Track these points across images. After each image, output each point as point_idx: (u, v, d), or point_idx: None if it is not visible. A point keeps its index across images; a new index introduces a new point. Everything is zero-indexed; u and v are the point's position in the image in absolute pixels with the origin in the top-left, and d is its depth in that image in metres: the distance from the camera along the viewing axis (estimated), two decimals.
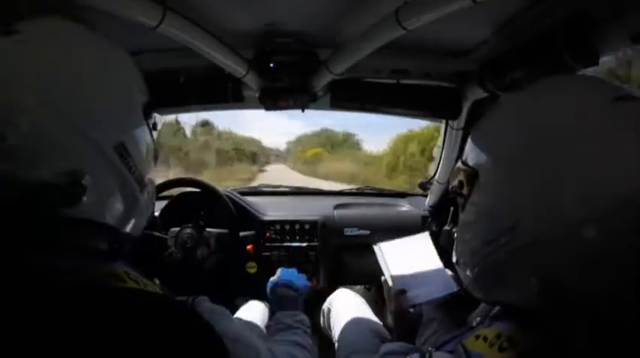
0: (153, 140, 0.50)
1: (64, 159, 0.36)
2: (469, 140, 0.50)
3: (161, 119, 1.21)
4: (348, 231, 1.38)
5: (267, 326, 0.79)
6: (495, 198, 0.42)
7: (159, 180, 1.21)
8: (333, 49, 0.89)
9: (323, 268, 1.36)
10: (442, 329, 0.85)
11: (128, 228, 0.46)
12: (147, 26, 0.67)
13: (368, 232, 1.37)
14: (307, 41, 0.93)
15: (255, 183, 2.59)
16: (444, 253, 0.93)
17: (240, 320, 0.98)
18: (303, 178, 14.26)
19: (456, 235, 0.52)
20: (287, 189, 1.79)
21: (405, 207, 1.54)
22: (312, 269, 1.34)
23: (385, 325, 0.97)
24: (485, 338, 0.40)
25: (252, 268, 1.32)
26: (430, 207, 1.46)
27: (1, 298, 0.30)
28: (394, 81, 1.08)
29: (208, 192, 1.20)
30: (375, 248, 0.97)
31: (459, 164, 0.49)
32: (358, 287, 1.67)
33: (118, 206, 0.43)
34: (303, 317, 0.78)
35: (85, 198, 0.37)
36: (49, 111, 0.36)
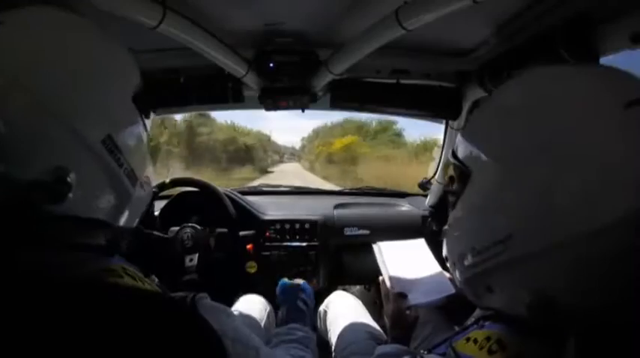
0: (145, 130, 0.47)
1: (48, 155, 0.35)
2: (461, 132, 0.47)
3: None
4: (348, 231, 1.38)
5: (277, 333, 0.81)
6: (487, 206, 0.40)
7: (159, 180, 1.21)
8: (333, 49, 0.89)
9: (323, 268, 1.36)
10: (437, 331, 0.84)
11: (121, 222, 0.45)
12: (147, 26, 0.67)
13: (368, 232, 1.37)
14: (307, 41, 0.93)
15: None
16: (440, 258, 0.93)
17: (240, 316, 0.98)
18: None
19: (445, 233, 0.50)
20: (287, 189, 1.79)
21: (405, 207, 1.54)
22: (311, 269, 1.34)
23: (383, 326, 0.97)
24: (475, 341, 0.40)
25: (252, 268, 1.32)
26: (430, 207, 1.46)
27: None
28: (394, 81, 1.08)
29: (208, 191, 1.20)
30: (375, 247, 0.97)
31: (450, 157, 0.47)
32: (358, 287, 1.67)
33: (109, 201, 0.41)
34: (313, 335, 0.83)
35: (71, 195, 0.36)
36: (33, 105, 0.35)
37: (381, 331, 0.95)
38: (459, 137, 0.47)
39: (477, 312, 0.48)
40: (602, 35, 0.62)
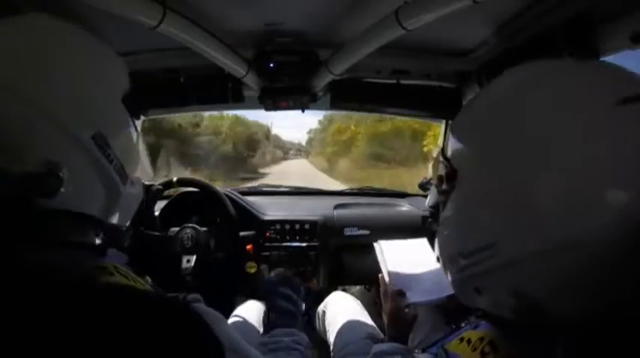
0: (135, 129, 0.49)
1: (41, 150, 0.36)
2: (451, 129, 0.46)
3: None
4: (347, 231, 1.37)
5: (264, 343, 0.75)
6: (473, 209, 0.39)
7: (159, 180, 1.21)
8: (333, 49, 0.89)
9: (323, 268, 1.36)
10: (435, 331, 0.84)
11: (113, 220, 0.46)
12: (147, 26, 0.67)
13: (368, 232, 1.37)
14: (307, 41, 0.93)
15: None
16: None
17: (235, 322, 0.97)
18: None
19: (437, 233, 0.49)
20: (287, 189, 1.79)
21: (405, 207, 1.54)
22: (311, 270, 1.34)
23: (382, 326, 0.97)
24: (469, 341, 0.40)
25: (251, 268, 1.32)
26: (430, 207, 1.46)
27: None
28: (394, 81, 1.08)
29: (208, 192, 1.20)
30: (376, 245, 0.97)
31: (440, 156, 0.47)
32: (358, 287, 1.67)
33: (99, 197, 0.42)
34: (302, 336, 0.77)
35: (63, 189, 0.37)
36: (25, 103, 0.36)
37: (380, 331, 0.95)
38: (450, 129, 0.47)
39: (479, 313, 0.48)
40: (602, 35, 0.62)
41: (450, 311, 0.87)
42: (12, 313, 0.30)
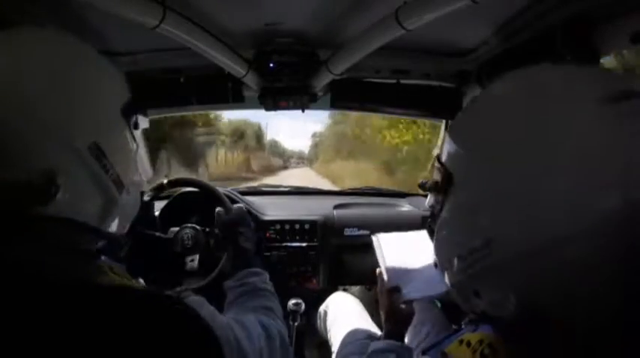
0: (133, 139, 0.50)
1: (35, 159, 0.37)
2: (448, 133, 0.47)
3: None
4: (348, 231, 1.37)
5: (232, 287, 0.69)
6: (468, 210, 0.39)
7: (159, 180, 1.21)
8: (333, 49, 0.89)
9: (323, 268, 1.36)
10: (436, 330, 0.84)
11: (110, 228, 0.46)
12: (147, 26, 0.67)
13: (368, 232, 1.36)
14: (307, 41, 0.93)
15: None
16: None
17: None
18: None
19: (435, 236, 0.49)
20: (287, 189, 1.79)
21: (405, 207, 1.54)
22: (311, 270, 1.34)
23: (382, 326, 0.97)
24: (468, 343, 0.40)
25: None
26: (430, 206, 1.46)
27: None
28: (394, 81, 1.08)
29: (208, 192, 1.20)
30: (374, 238, 0.96)
31: (436, 161, 0.47)
32: (358, 287, 1.67)
33: (95, 206, 0.43)
34: (266, 275, 0.72)
35: (58, 197, 0.37)
36: (23, 113, 0.36)
37: (380, 331, 0.95)
38: (446, 133, 0.47)
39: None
40: (602, 35, 0.62)
41: (450, 307, 0.86)
42: (7, 314, 0.30)
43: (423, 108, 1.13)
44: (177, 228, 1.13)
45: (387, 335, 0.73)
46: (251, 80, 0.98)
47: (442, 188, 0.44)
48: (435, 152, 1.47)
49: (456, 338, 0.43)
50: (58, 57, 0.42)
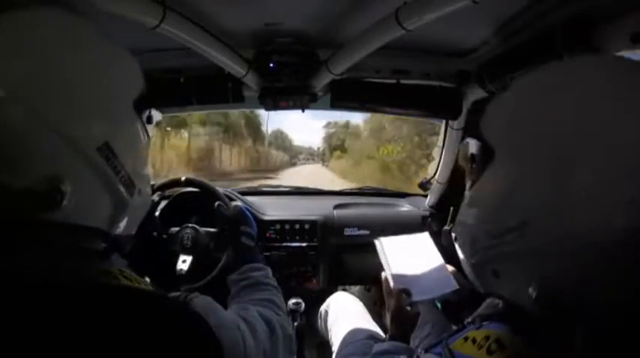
0: (146, 135, 0.46)
1: (42, 163, 0.35)
2: (491, 108, 0.45)
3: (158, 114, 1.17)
4: (348, 231, 1.38)
5: (235, 280, 0.70)
6: (508, 190, 0.38)
7: (159, 180, 1.21)
8: (333, 49, 0.89)
9: (323, 268, 1.36)
10: (436, 331, 0.84)
11: (119, 230, 0.44)
12: (147, 26, 0.67)
13: (368, 232, 1.37)
14: (307, 41, 0.93)
15: None
16: (444, 253, 0.93)
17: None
18: None
19: (459, 212, 0.48)
20: (287, 189, 1.79)
21: (405, 207, 1.54)
22: (311, 270, 1.34)
23: (383, 326, 0.97)
24: (473, 340, 0.39)
25: None
26: (430, 207, 1.46)
27: None
28: (394, 81, 1.08)
29: (208, 192, 1.20)
30: (376, 242, 0.96)
31: (473, 134, 0.45)
32: (358, 287, 1.67)
33: (105, 208, 0.40)
34: (269, 270, 0.73)
35: (66, 203, 0.35)
36: (27, 114, 0.33)
37: (381, 332, 0.95)
38: (488, 109, 0.45)
39: (478, 311, 0.48)
40: (602, 35, 0.62)
41: (454, 307, 0.86)
42: (19, 316, 0.30)
43: (423, 108, 1.13)
44: (177, 228, 1.13)
45: (392, 337, 0.74)
46: (251, 80, 0.98)
47: (479, 161, 0.43)
48: (437, 152, 1.47)
49: (459, 336, 0.43)
50: (60, 43, 0.38)
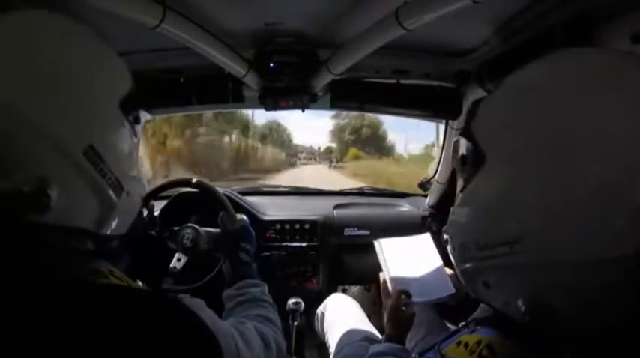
0: (134, 136, 0.46)
1: (28, 166, 0.35)
2: (481, 108, 0.42)
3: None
4: (348, 231, 1.38)
5: (231, 295, 0.71)
6: (500, 201, 0.36)
7: (159, 181, 1.21)
8: (333, 49, 0.89)
9: (323, 268, 1.36)
10: (430, 333, 0.84)
11: (109, 230, 0.43)
12: (147, 26, 0.67)
13: (368, 232, 1.37)
14: (307, 41, 0.93)
15: None
16: (444, 255, 0.93)
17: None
18: None
19: (451, 212, 0.46)
20: (287, 189, 1.79)
21: (405, 207, 1.54)
22: (311, 270, 1.34)
23: (381, 327, 0.97)
24: (466, 345, 0.39)
25: None
26: (430, 207, 1.46)
27: None
28: (394, 81, 1.08)
29: (207, 192, 1.19)
30: (376, 243, 0.96)
31: (463, 134, 0.43)
32: (357, 287, 1.67)
33: (92, 211, 0.40)
34: (265, 286, 0.74)
35: (52, 205, 0.35)
36: (11, 116, 0.33)
37: (378, 333, 0.95)
38: (479, 108, 0.42)
39: (474, 314, 0.48)
40: (602, 35, 0.62)
41: (451, 309, 0.86)
42: (11, 316, 0.30)
43: (423, 108, 1.13)
44: (176, 228, 1.13)
45: (388, 338, 0.74)
46: (251, 80, 0.98)
47: (470, 163, 0.41)
48: (437, 151, 1.47)
49: (453, 340, 0.42)
50: (51, 48, 0.38)
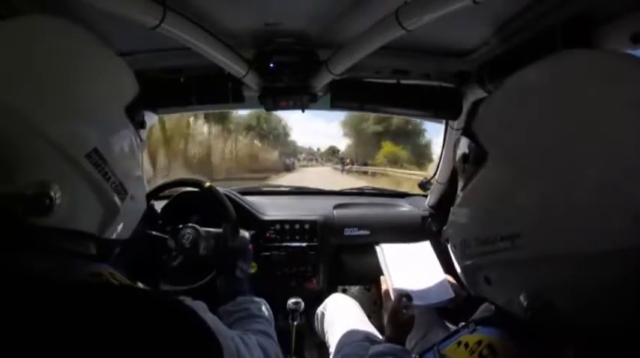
0: (139, 140, 0.46)
1: (31, 169, 0.35)
2: (482, 108, 0.42)
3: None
4: (347, 231, 1.38)
5: (229, 312, 0.72)
6: (499, 197, 0.36)
7: (159, 181, 1.21)
8: (333, 49, 0.89)
9: (323, 268, 1.36)
10: (430, 333, 0.84)
11: (113, 235, 0.44)
12: (147, 26, 0.67)
13: (368, 232, 1.37)
14: (307, 41, 0.93)
15: None
16: (444, 255, 0.94)
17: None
18: None
19: (451, 212, 0.46)
20: (287, 189, 1.79)
21: (405, 207, 1.54)
22: (311, 270, 1.34)
23: (381, 327, 0.97)
24: (466, 345, 0.39)
25: (252, 268, 1.31)
26: (430, 207, 1.46)
27: None
28: (394, 81, 1.08)
29: (217, 200, 1.19)
30: (377, 248, 0.97)
31: (464, 132, 0.43)
32: (357, 287, 1.67)
33: (96, 214, 0.40)
34: (262, 302, 0.76)
35: (55, 208, 0.35)
36: (14, 120, 0.34)
37: (378, 333, 0.95)
38: (481, 107, 0.42)
39: (474, 315, 0.48)
40: (602, 35, 0.62)
41: (450, 313, 0.87)
42: (10, 315, 0.30)
43: (423, 109, 1.13)
44: (177, 227, 1.13)
45: (388, 339, 0.74)
46: (251, 80, 0.98)
47: (471, 162, 0.41)
48: (437, 151, 1.47)
49: (453, 340, 0.42)
50: (57, 53, 0.38)
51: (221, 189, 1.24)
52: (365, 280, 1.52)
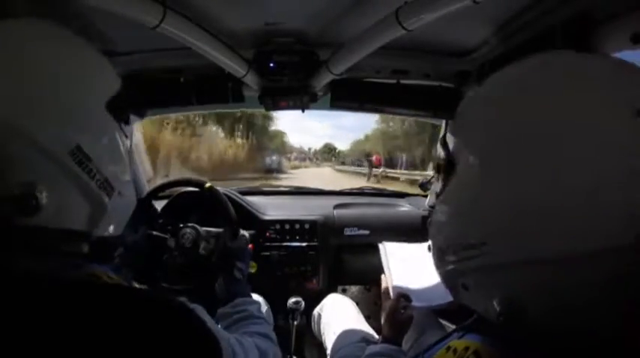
0: (123, 136, 0.46)
1: (15, 171, 0.35)
2: (459, 109, 0.43)
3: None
4: (347, 231, 1.38)
5: (227, 313, 0.72)
6: (466, 206, 0.37)
7: (159, 180, 1.21)
8: (333, 49, 0.89)
9: (323, 268, 1.36)
10: (425, 334, 0.84)
11: (104, 232, 0.44)
12: (147, 26, 0.67)
13: (368, 232, 1.37)
14: (307, 41, 0.93)
15: None
16: None
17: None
18: None
19: (432, 215, 0.47)
20: (287, 189, 1.79)
21: (405, 207, 1.54)
22: (311, 269, 1.34)
23: (380, 328, 0.97)
24: (455, 351, 0.39)
25: (252, 268, 1.31)
26: (430, 207, 1.45)
27: None
28: (394, 81, 1.08)
29: (217, 200, 1.19)
30: (380, 246, 0.97)
31: (440, 142, 0.44)
32: (357, 287, 1.67)
33: (82, 213, 0.40)
34: (261, 305, 0.76)
35: (42, 207, 0.35)
36: None
37: (375, 334, 0.95)
38: (458, 110, 0.43)
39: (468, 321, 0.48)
40: (602, 35, 0.62)
41: (450, 314, 0.86)
42: (9, 316, 0.30)
43: (423, 108, 1.13)
44: (177, 227, 1.13)
45: (385, 339, 0.74)
46: (251, 80, 0.98)
47: (443, 172, 0.42)
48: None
49: (443, 344, 0.43)
50: (34, 52, 0.38)
51: (221, 189, 1.24)
52: (365, 280, 1.52)
